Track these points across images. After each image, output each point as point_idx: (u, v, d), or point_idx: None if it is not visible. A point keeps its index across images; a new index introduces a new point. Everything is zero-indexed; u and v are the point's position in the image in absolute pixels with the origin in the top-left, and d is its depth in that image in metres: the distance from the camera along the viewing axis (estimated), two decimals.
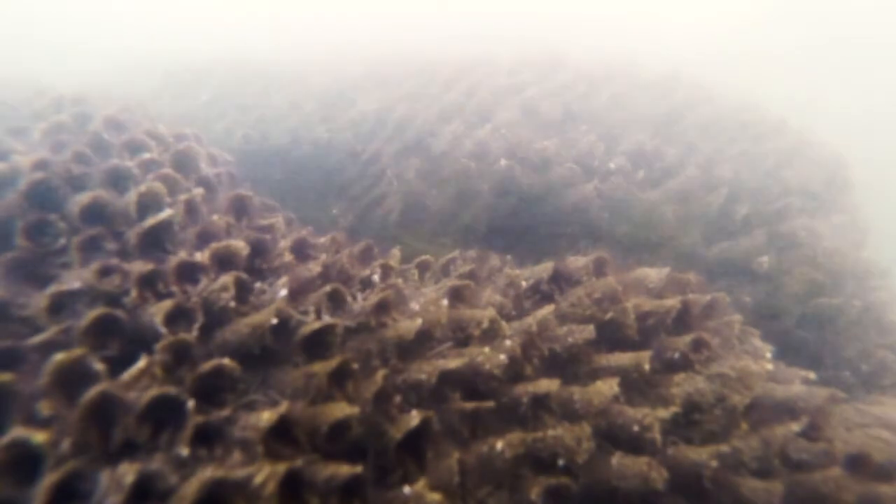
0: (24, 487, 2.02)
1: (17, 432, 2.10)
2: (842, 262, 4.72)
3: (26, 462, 2.07)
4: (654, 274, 3.46)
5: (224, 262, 3.02)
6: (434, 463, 2.35)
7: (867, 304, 4.54)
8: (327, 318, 2.77)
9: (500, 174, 5.08)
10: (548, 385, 2.64)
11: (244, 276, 2.94)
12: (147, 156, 3.73)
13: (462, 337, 2.88)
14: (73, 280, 2.75)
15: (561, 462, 2.43)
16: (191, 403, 2.27)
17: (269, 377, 2.52)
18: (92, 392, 2.20)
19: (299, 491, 2.12)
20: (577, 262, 3.47)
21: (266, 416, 2.22)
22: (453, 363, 2.59)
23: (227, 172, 4.39)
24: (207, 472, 2.03)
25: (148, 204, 3.26)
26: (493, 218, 5.10)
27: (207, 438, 2.21)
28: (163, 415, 2.24)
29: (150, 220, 3.13)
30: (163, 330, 2.54)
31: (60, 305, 2.66)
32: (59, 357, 2.29)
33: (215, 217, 3.38)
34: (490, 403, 2.59)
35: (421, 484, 2.21)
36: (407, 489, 2.21)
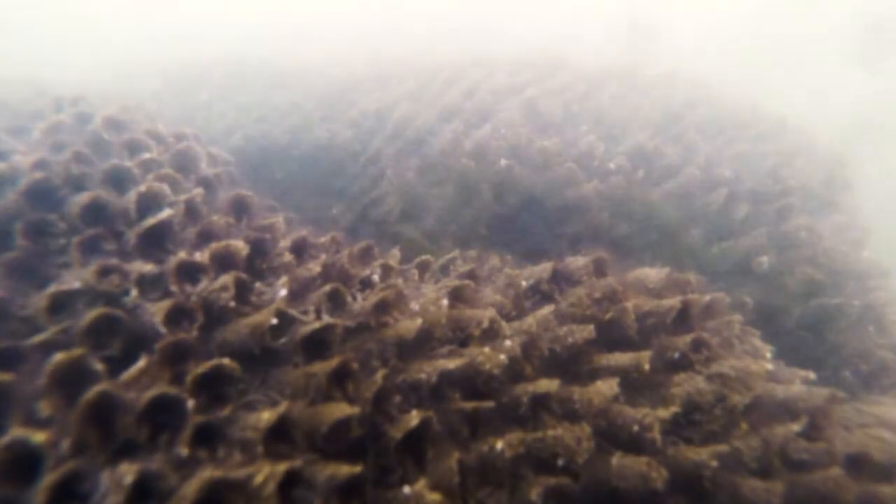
0: (24, 487, 2.02)
1: (17, 432, 2.10)
2: (842, 262, 4.72)
3: (26, 462, 2.07)
4: (654, 274, 3.46)
5: (224, 262, 3.02)
6: (434, 463, 2.35)
7: (867, 304, 4.54)
8: (327, 318, 2.77)
9: (500, 174, 5.08)
10: (548, 385, 2.64)
11: (244, 276, 2.94)
12: (147, 156, 3.73)
13: (462, 337, 2.88)
14: (73, 280, 2.75)
15: (561, 462, 2.43)
16: (191, 403, 2.27)
17: (269, 377, 2.52)
18: (92, 392, 2.20)
19: (299, 491, 2.12)
20: (576, 262, 3.47)
21: (266, 416, 2.22)
22: (453, 363, 2.58)
23: (227, 172, 4.39)
24: (207, 472, 2.03)
25: (148, 204, 3.26)
26: (493, 218, 5.10)
27: (207, 438, 2.21)
28: (163, 415, 2.24)
29: (150, 220, 3.13)
30: (163, 330, 2.54)
31: (60, 305, 2.66)
32: (59, 357, 2.29)
33: (215, 217, 3.38)
34: (490, 403, 2.59)
35: (421, 484, 2.21)
36: (407, 489, 2.21)
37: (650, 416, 2.57)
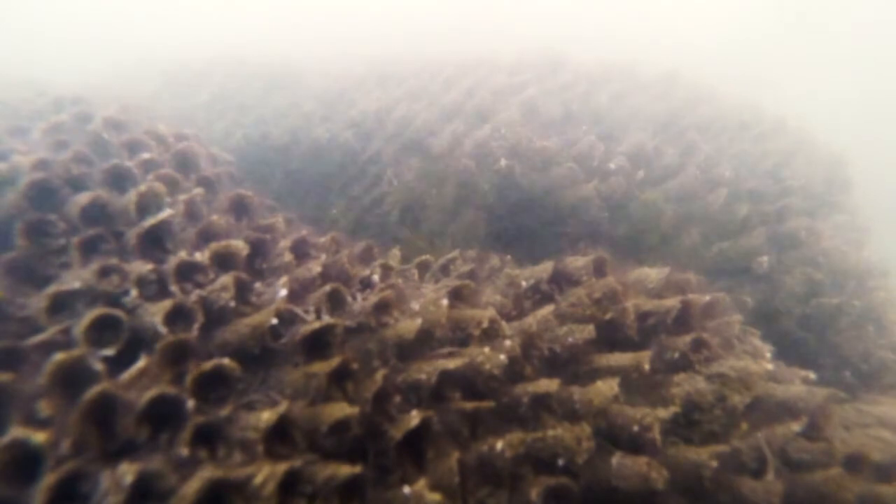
0: (24, 487, 2.02)
1: (17, 432, 2.10)
2: (842, 262, 4.72)
3: (26, 462, 2.07)
4: (653, 274, 3.46)
5: (224, 261, 3.02)
6: (434, 463, 2.35)
7: (867, 304, 4.54)
8: (327, 318, 2.77)
9: (500, 174, 5.08)
10: (548, 385, 2.64)
11: (244, 276, 2.94)
12: (147, 156, 3.73)
13: (462, 337, 2.88)
14: (73, 280, 2.75)
15: (561, 462, 2.43)
16: (191, 403, 2.27)
17: (269, 377, 2.52)
18: (92, 392, 2.20)
19: (299, 491, 2.12)
20: (576, 262, 3.47)
21: (266, 416, 2.22)
22: (453, 363, 2.58)
23: (227, 172, 4.39)
24: (207, 472, 2.03)
25: (148, 204, 3.26)
26: (493, 218, 5.10)
27: (207, 438, 2.21)
28: (163, 415, 2.24)
29: (150, 220, 3.13)
30: (163, 330, 2.54)
31: (60, 305, 2.66)
32: (59, 357, 2.29)
33: (215, 217, 3.38)
34: (490, 403, 2.59)
35: (421, 484, 2.21)
36: (407, 489, 2.21)
37: (650, 416, 2.56)
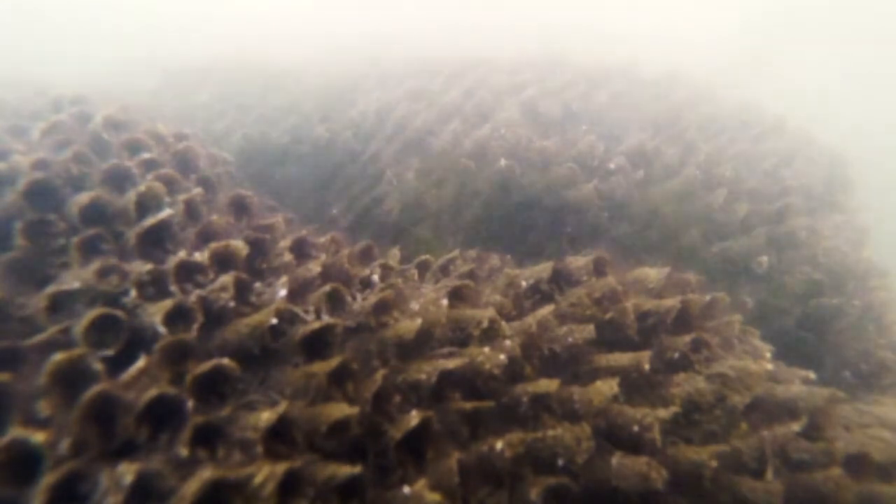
0: (24, 487, 2.02)
1: (17, 432, 2.10)
2: (842, 262, 4.72)
3: (26, 462, 2.07)
4: (654, 274, 3.46)
5: (224, 261, 3.02)
6: (434, 463, 2.35)
7: (867, 304, 4.54)
8: (327, 318, 2.77)
9: (499, 174, 5.08)
10: (548, 385, 2.64)
11: (244, 275, 2.94)
12: (147, 155, 3.73)
13: (462, 337, 2.88)
14: (73, 280, 2.75)
15: (561, 462, 2.43)
16: (190, 403, 2.27)
17: (268, 377, 2.52)
18: (91, 392, 2.20)
19: (299, 491, 2.11)
20: (577, 262, 3.47)
21: (265, 416, 2.22)
22: (453, 363, 2.58)
23: (227, 172, 4.39)
24: (207, 472, 2.03)
25: (147, 204, 3.26)
26: (493, 218, 5.09)
27: (207, 438, 2.21)
28: (162, 415, 2.24)
29: (150, 220, 3.13)
30: (162, 330, 2.54)
31: (60, 305, 2.66)
32: (59, 357, 2.29)
33: (215, 217, 3.37)
34: (490, 403, 2.59)
35: (421, 484, 2.20)
36: (407, 489, 2.21)
37: (650, 416, 2.56)
